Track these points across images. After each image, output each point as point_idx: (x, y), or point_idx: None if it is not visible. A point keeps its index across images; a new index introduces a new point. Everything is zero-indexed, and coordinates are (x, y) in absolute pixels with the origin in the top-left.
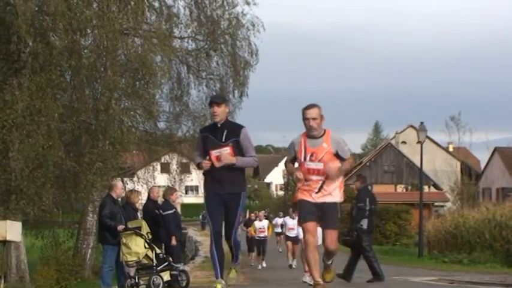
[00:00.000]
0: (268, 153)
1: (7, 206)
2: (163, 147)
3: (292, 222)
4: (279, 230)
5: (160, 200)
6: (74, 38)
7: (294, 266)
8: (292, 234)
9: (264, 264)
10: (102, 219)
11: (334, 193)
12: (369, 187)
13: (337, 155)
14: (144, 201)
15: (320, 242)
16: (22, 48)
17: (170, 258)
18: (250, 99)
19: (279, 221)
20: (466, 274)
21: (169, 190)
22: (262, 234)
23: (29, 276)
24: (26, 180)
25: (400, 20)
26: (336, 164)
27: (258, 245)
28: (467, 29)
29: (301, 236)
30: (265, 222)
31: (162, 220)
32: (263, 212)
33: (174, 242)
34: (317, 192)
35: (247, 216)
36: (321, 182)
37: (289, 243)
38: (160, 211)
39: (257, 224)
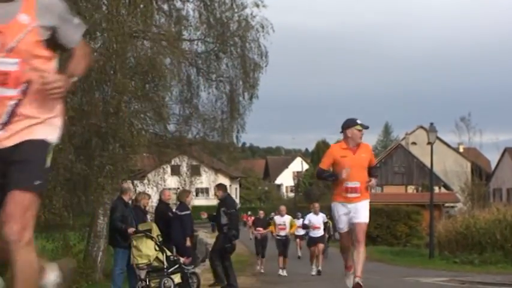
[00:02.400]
0: (278, 155)
1: None
2: (174, 150)
3: (317, 219)
4: (300, 232)
5: (172, 203)
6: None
7: (320, 272)
8: (318, 234)
9: (285, 273)
10: (114, 222)
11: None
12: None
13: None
14: (154, 204)
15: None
16: None
17: (181, 260)
18: (260, 101)
19: (298, 222)
20: (477, 275)
21: (184, 192)
22: (282, 233)
23: None
24: None
25: (410, 21)
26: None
27: (278, 245)
28: (478, 30)
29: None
30: (286, 218)
31: (178, 220)
32: (283, 206)
33: (188, 243)
34: None
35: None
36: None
37: (314, 248)
38: (177, 212)
39: (277, 219)
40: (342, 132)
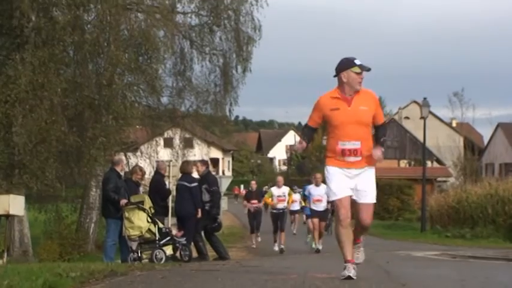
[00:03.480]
0: (271, 128)
1: (10, 181)
2: (167, 122)
3: (319, 191)
4: (295, 207)
5: (172, 175)
6: (77, 13)
7: (319, 251)
8: (320, 207)
9: (282, 246)
10: (107, 193)
11: None
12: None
13: None
14: (147, 177)
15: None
16: (25, 23)
17: (173, 232)
18: (254, 74)
19: (296, 196)
20: (469, 249)
21: (189, 163)
22: (281, 205)
23: (32, 250)
24: (29, 155)
25: None
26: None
27: (274, 219)
28: (472, 6)
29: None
30: (285, 189)
31: (188, 193)
32: (281, 176)
33: (200, 214)
34: None
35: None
36: None
37: (315, 220)
38: (185, 183)
39: (275, 191)
40: (335, 76)
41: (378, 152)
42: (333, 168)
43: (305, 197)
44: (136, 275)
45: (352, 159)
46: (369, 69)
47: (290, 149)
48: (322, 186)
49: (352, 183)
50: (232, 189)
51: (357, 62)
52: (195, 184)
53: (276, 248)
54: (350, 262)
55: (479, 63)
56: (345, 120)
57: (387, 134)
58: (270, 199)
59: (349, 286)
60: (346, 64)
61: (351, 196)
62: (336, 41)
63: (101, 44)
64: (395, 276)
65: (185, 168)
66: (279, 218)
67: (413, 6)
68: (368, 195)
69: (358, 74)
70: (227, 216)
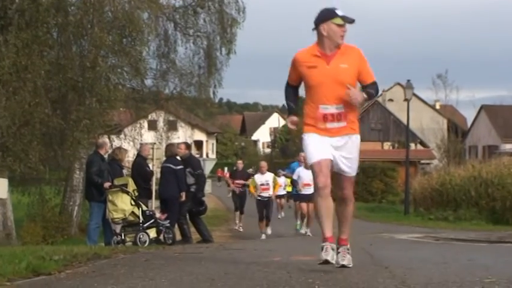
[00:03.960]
0: (255, 111)
1: None
2: (150, 105)
3: (309, 174)
4: (280, 192)
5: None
6: None
7: (309, 234)
8: (309, 191)
9: (269, 231)
10: (90, 176)
11: None
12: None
13: None
14: (130, 159)
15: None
16: (8, 4)
17: (157, 215)
18: (238, 57)
19: (281, 180)
20: (452, 231)
21: (173, 146)
22: (265, 194)
23: (15, 233)
24: (12, 137)
25: None
26: None
27: (260, 208)
28: None
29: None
30: (269, 176)
31: (173, 175)
32: (264, 163)
33: (184, 197)
34: None
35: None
36: None
37: (304, 205)
38: (171, 166)
39: (258, 178)
40: (314, 29)
41: (355, 91)
42: (312, 134)
43: (293, 182)
44: (120, 258)
45: (335, 125)
46: (352, 21)
47: (274, 131)
48: None
49: (335, 152)
50: (215, 171)
51: (339, 12)
52: (181, 167)
53: (264, 237)
54: (329, 241)
55: (463, 46)
56: (323, 80)
57: (377, 93)
58: (254, 188)
59: (332, 268)
60: (326, 15)
61: (331, 161)
62: None
63: (85, 26)
64: (378, 259)
65: (171, 151)
66: (265, 206)
67: None
68: (352, 167)
69: (340, 26)
70: (211, 199)
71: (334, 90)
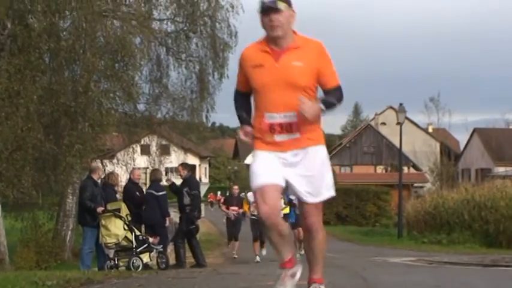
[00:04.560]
0: None
1: None
2: (143, 129)
3: None
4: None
5: (141, 182)
6: (53, 20)
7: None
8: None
9: (265, 252)
10: (83, 201)
11: None
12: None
13: None
14: (123, 183)
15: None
16: (0, 30)
17: (150, 240)
18: (230, 81)
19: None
20: (445, 255)
21: (158, 171)
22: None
23: (8, 258)
24: (5, 162)
25: (380, 1)
26: None
27: (254, 226)
28: (448, 11)
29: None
30: None
31: (155, 200)
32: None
33: (168, 223)
34: None
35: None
36: None
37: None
38: (153, 192)
39: (251, 197)
40: None
41: (306, 103)
42: (259, 151)
43: (290, 202)
44: (113, 282)
45: (285, 137)
46: (268, 8)
47: None
48: None
49: (289, 171)
50: (207, 195)
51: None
52: (163, 193)
53: (258, 259)
54: (287, 266)
55: (455, 69)
56: (269, 81)
57: (340, 101)
58: (247, 206)
59: None
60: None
61: (279, 186)
62: None
63: (77, 51)
64: (371, 283)
65: (154, 176)
66: (256, 223)
67: (389, 12)
68: (314, 189)
69: (265, 15)
70: (204, 223)
71: (282, 95)
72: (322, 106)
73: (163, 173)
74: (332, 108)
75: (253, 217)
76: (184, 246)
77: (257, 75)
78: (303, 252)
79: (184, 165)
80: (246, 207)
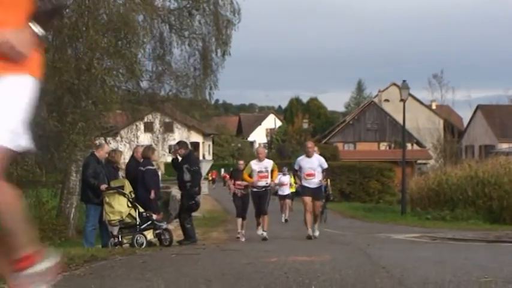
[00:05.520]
0: (251, 112)
1: None
2: (146, 107)
3: (310, 164)
4: (285, 191)
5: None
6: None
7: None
8: (312, 183)
9: (265, 233)
10: (86, 179)
11: None
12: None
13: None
14: (126, 161)
15: None
16: None
17: (154, 217)
18: (233, 58)
19: (285, 179)
20: (449, 231)
21: (149, 149)
22: (262, 182)
23: None
24: None
25: None
26: None
27: (256, 200)
28: None
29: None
30: (268, 163)
31: (141, 176)
32: (262, 147)
33: (152, 195)
34: None
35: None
36: None
37: (307, 198)
38: (140, 168)
39: (255, 165)
40: None
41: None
42: None
43: (295, 172)
44: (117, 259)
45: None
46: None
47: (270, 132)
48: (316, 157)
49: None
50: (210, 173)
51: None
52: (148, 167)
53: (260, 232)
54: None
55: (458, 46)
56: None
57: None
58: (249, 176)
59: (329, 269)
60: None
61: None
62: (317, 25)
63: (80, 28)
64: (375, 259)
65: (144, 153)
66: (261, 197)
67: None
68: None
69: None
70: (207, 200)
71: None
72: (35, 28)
73: (167, 150)
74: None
75: (255, 189)
76: (192, 222)
77: None
78: (310, 231)
79: (181, 144)
80: (247, 177)
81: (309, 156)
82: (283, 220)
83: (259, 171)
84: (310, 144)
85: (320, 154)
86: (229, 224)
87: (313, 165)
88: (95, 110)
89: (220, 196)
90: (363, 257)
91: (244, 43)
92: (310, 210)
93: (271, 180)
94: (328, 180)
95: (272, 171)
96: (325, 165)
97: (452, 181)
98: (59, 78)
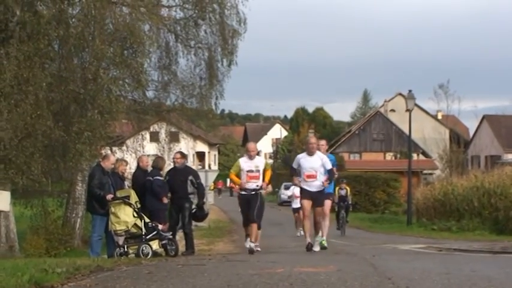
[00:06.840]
0: (257, 122)
1: None
2: (152, 116)
3: (311, 163)
4: (297, 204)
5: (149, 169)
6: (62, 7)
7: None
8: (313, 187)
9: (252, 245)
10: (91, 189)
11: None
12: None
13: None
14: (132, 171)
15: None
16: (9, 17)
17: (160, 227)
18: (239, 68)
19: (296, 190)
20: (455, 242)
21: (162, 160)
22: (252, 184)
23: (18, 245)
24: (14, 149)
25: None
26: None
27: (243, 205)
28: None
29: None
30: (259, 161)
31: (150, 185)
32: (253, 143)
33: (165, 200)
34: None
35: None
36: None
37: (306, 202)
38: (149, 178)
39: (244, 163)
40: None
41: None
42: None
43: (292, 171)
44: (123, 270)
45: None
46: None
47: (276, 142)
48: (318, 155)
49: None
50: (216, 183)
51: None
52: (157, 177)
53: (248, 245)
54: None
55: (464, 55)
56: None
57: None
58: (236, 176)
59: (335, 280)
60: None
61: None
62: (323, 35)
63: (86, 38)
64: (381, 270)
65: (155, 163)
66: (250, 202)
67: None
68: None
69: None
70: (213, 210)
71: None
72: None
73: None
74: None
75: (243, 192)
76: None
77: None
78: (313, 241)
79: (182, 153)
80: (234, 177)
81: (310, 154)
82: (298, 234)
83: (248, 171)
84: (313, 139)
85: None
86: (235, 234)
87: (315, 164)
88: (101, 120)
89: (226, 206)
90: (368, 268)
91: (250, 53)
92: (308, 216)
93: (263, 182)
94: (348, 188)
95: (265, 171)
96: (329, 166)
97: (458, 191)
98: (65, 88)
